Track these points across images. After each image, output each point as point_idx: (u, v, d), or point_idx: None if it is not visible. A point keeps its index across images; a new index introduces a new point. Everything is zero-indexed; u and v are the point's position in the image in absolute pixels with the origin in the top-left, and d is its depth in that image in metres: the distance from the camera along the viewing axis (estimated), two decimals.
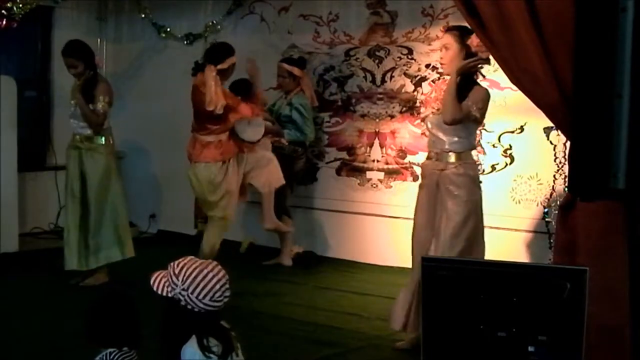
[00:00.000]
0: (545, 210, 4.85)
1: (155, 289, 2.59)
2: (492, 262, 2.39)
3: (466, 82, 4.11)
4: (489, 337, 2.24)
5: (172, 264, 2.63)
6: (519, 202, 5.71)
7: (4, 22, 6.40)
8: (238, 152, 5.66)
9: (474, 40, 4.07)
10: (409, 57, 6.26)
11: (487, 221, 5.76)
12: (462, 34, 4.12)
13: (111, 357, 2.79)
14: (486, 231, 5.76)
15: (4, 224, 6.56)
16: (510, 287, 2.22)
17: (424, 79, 6.13)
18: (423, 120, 4.37)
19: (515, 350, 2.21)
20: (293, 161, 6.47)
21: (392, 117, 6.34)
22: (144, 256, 5.69)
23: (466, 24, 4.46)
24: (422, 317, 2.37)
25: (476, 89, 4.14)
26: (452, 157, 4.15)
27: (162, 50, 7.74)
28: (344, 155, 6.70)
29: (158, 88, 7.57)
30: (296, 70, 6.44)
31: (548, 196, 5.33)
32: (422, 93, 6.06)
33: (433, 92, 4.30)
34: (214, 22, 7.44)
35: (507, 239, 5.70)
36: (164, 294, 2.58)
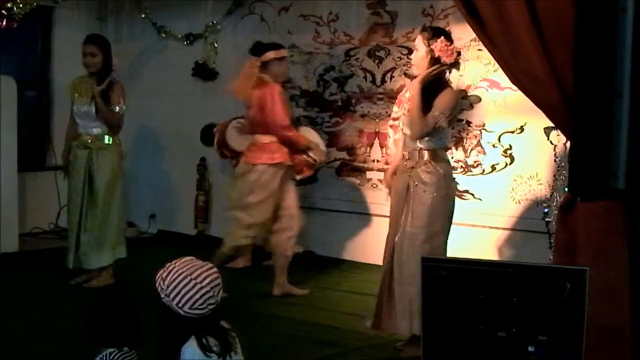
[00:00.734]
0: (545, 210, 4.84)
1: (157, 285, 2.60)
2: (492, 262, 2.39)
3: (433, 87, 4.11)
4: (489, 337, 2.24)
5: (167, 265, 2.62)
6: (519, 202, 5.71)
7: (4, 22, 6.41)
8: (290, 167, 5.50)
9: (437, 45, 4.07)
10: (409, 57, 6.22)
11: (487, 221, 5.82)
12: (430, 37, 4.11)
13: (111, 357, 2.79)
14: (486, 231, 5.83)
15: (4, 224, 6.56)
16: (510, 287, 2.22)
17: None
18: (395, 120, 4.35)
19: (515, 350, 2.21)
20: None
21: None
22: (144, 256, 5.70)
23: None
24: (422, 317, 2.37)
25: (443, 95, 4.12)
26: (424, 156, 4.16)
27: (162, 50, 7.75)
28: (344, 155, 6.70)
29: (158, 88, 7.58)
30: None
31: (548, 196, 5.33)
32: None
33: (407, 92, 4.29)
34: (214, 22, 7.44)
35: (507, 239, 5.70)
36: (161, 295, 2.59)
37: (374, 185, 6.49)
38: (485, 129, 5.85)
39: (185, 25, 7.62)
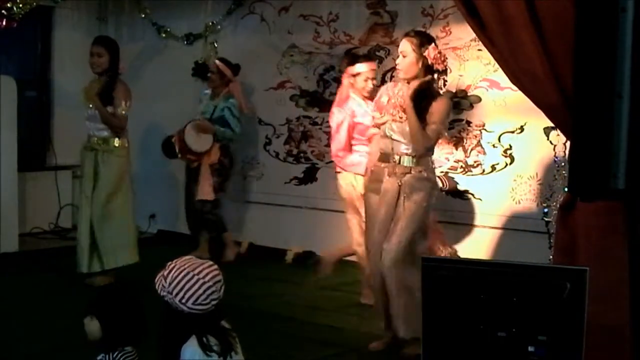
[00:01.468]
0: (545, 210, 4.84)
1: (156, 287, 2.60)
2: (492, 262, 2.39)
3: (425, 96, 4.11)
4: (489, 337, 2.24)
5: (168, 264, 2.63)
6: (519, 202, 5.71)
7: (4, 22, 6.41)
8: None
9: (430, 52, 4.07)
10: None
11: (487, 221, 5.82)
12: (420, 43, 4.10)
13: (113, 356, 2.79)
14: (486, 231, 5.83)
15: (4, 224, 6.56)
16: (510, 287, 2.22)
17: None
18: (378, 126, 4.31)
19: (515, 350, 2.21)
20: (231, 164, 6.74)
21: None
22: (144, 256, 5.70)
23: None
24: (422, 317, 2.37)
25: (438, 104, 4.12)
26: (413, 162, 4.17)
27: (162, 50, 7.75)
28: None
29: (158, 88, 7.58)
30: (228, 72, 6.58)
31: (548, 196, 5.33)
32: None
33: (384, 96, 4.30)
34: (214, 22, 7.44)
35: (507, 239, 5.70)
36: (160, 292, 2.59)
37: None
38: (485, 129, 5.85)
39: (185, 25, 7.62)
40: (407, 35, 4.23)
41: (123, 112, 5.50)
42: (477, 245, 5.77)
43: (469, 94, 5.92)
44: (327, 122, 6.74)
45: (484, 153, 5.87)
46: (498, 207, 5.79)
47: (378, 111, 4.33)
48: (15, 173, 6.82)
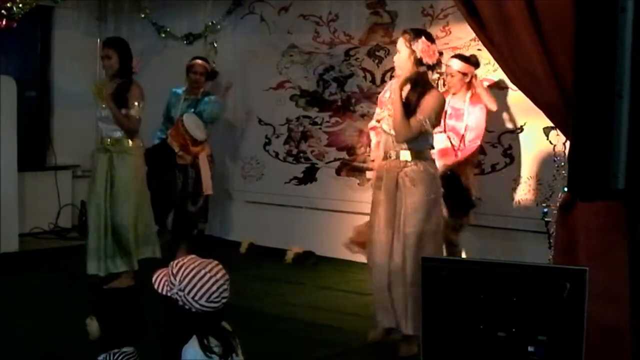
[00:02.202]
0: (545, 210, 4.84)
1: (156, 287, 2.59)
2: (492, 262, 2.38)
3: (418, 90, 4.12)
4: (489, 337, 2.24)
5: (172, 263, 2.63)
6: (519, 202, 5.71)
7: (4, 22, 6.41)
8: None
9: (419, 45, 4.08)
10: None
11: (487, 221, 5.81)
12: (412, 38, 4.12)
13: (114, 357, 2.79)
14: (486, 231, 5.82)
15: (4, 224, 6.57)
16: (510, 287, 2.22)
17: None
18: (378, 121, 4.34)
19: (515, 350, 2.21)
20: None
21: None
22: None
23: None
24: (422, 317, 2.37)
25: (428, 97, 4.14)
26: (411, 156, 4.18)
27: (162, 50, 7.75)
28: (343, 155, 6.70)
29: (158, 88, 7.56)
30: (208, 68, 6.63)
31: (548, 196, 5.33)
32: None
33: (387, 92, 4.32)
34: (214, 22, 7.45)
35: (507, 239, 5.70)
36: (164, 292, 2.58)
37: None
38: (485, 129, 5.85)
39: (185, 25, 7.62)
40: (403, 32, 4.26)
41: (136, 114, 5.46)
42: (477, 245, 5.77)
43: None
44: (327, 122, 6.76)
45: (484, 153, 5.87)
46: (498, 207, 5.79)
47: (379, 107, 4.36)
48: (15, 173, 6.82)
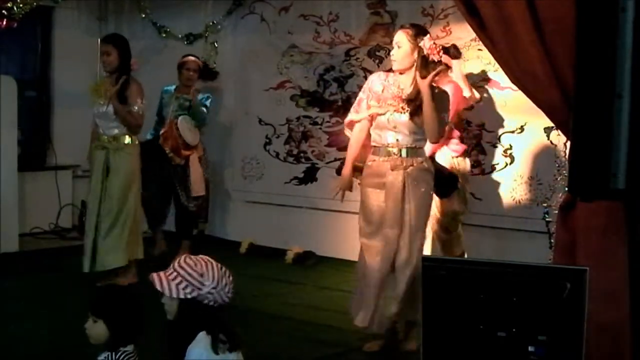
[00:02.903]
0: (545, 210, 4.84)
1: (168, 294, 2.59)
2: (492, 262, 2.38)
3: (432, 91, 4.11)
4: (489, 337, 2.24)
5: (182, 266, 2.62)
6: (519, 202, 5.71)
7: (4, 22, 6.41)
8: None
9: (426, 43, 4.06)
10: None
11: (487, 221, 5.82)
12: (415, 34, 4.11)
13: (115, 356, 2.78)
14: (486, 231, 5.83)
15: (4, 224, 6.56)
16: (510, 287, 2.22)
17: None
18: (375, 117, 4.30)
19: (515, 350, 2.21)
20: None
21: None
22: (144, 256, 5.71)
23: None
24: (422, 317, 2.37)
25: (439, 96, 4.16)
26: (416, 153, 4.22)
27: (162, 50, 7.75)
28: (343, 155, 6.67)
29: (158, 88, 7.57)
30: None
31: (548, 196, 5.33)
32: None
33: (378, 85, 4.29)
34: (214, 22, 7.45)
35: (507, 239, 5.70)
36: (182, 296, 2.58)
37: None
38: (485, 129, 5.85)
39: (185, 25, 7.62)
40: (402, 27, 4.25)
41: (139, 110, 5.47)
42: (477, 245, 5.77)
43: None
44: (327, 122, 6.76)
45: (484, 153, 5.87)
46: (498, 207, 5.79)
47: (375, 100, 4.26)
48: (15, 173, 6.82)
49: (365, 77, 6.53)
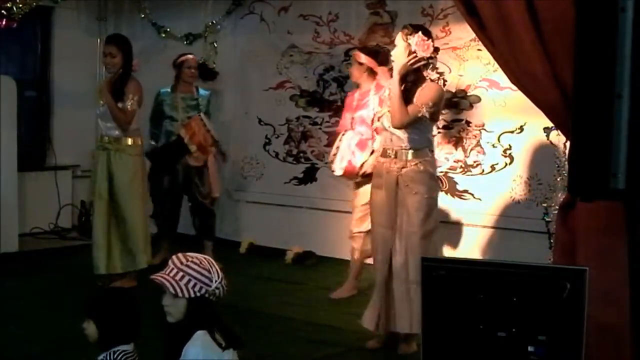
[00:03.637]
0: (545, 210, 4.85)
1: (182, 294, 2.60)
2: (492, 262, 2.39)
3: (414, 81, 4.15)
4: (489, 337, 2.24)
5: (188, 265, 2.62)
6: (519, 202, 5.71)
7: (4, 22, 6.41)
8: None
9: (414, 39, 4.10)
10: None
11: (487, 221, 5.82)
12: (409, 32, 4.15)
13: (114, 356, 2.79)
14: (485, 231, 5.83)
15: (4, 224, 6.56)
16: (510, 287, 2.22)
17: None
18: (379, 119, 4.36)
19: (515, 350, 2.21)
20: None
21: None
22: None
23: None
24: (421, 317, 2.37)
25: (425, 88, 4.17)
26: (410, 155, 4.20)
27: (162, 50, 7.74)
28: None
29: (158, 88, 7.57)
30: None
31: (548, 196, 5.33)
32: None
33: (387, 90, 4.34)
34: (214, 22, 7.45)
35: (507, 239, 5.70)
36: (193, 295, 2.58)
37: None
38: (485, 129, 5.86)
39: (185, 25, 7.62)
40: (403, 27, 4.29)
41: (130, 107, 5.43)
42: (476, 246, 5.77)
43: (468, 94, 5.92)
44: (327, 122, 6.76)
45: (484, 153, 5.87)
46: (498, 207, 5.79)
47: (379, 105, 4.39)
48: (15, 173, 6.82)
49: None
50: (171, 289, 2.58)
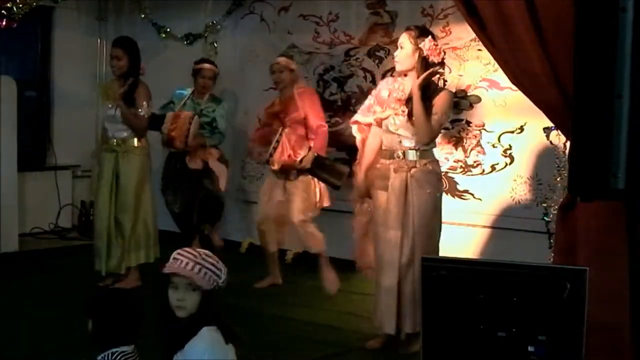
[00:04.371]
0: (545, 210, 4.85)
1: (206, 286, 2.61)
2: (492, 262, 2.39)
3: (427, 90, 4.13)
4: (489, 337, 2.24)
5: (204, 258, 2.65)
6: (519, 202, 5.71)
7: (4, 22, 6.41)
8: None
9: (426, 44, 4.09)
10: None
11: (487, 221, 5.82)
12: (418, 35, 4.14)
13: (113, 357, 2.78)
14: (486, 231, 5.83)
15: (4, 224, 6.56)
16: (510, 287, 2.22)
17: None
18: (380, 121, 4.33)
19: (515, 350, 2.21)
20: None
21: None
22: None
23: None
24: (422, 317, 2.37)
25: (441, 97, 4.17)
26: (419, 156, 4.21)
27: (162, 50, 7.74)
28: (343, 155, 6.69)
29: (158, 88, 7.56)
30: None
31: (548, 196, 5.33)
32: None
33: (384, 90, 4.34)
34: (214, 22, 7.45)
35: (507, 239, 5.70)
36: (210, 287, 2.62)
37: None
38: (485, 129, 5.85)
39: (185, 25, 7.62)
40: (407, 28, 4.28)
41: (144, 113, 5.48)
42: (477, 246, 5.76)
43: (468, 94, 5.91)
44: (327, 122, 6.74)
45: (484, 153, 5.87)
46: (498, 207, 5.79)
47: (379, 106, 4.34)
48: (15, 173, 6.82)
49: (365, 77, 6.55)
50: (197, 281, 2.59)
